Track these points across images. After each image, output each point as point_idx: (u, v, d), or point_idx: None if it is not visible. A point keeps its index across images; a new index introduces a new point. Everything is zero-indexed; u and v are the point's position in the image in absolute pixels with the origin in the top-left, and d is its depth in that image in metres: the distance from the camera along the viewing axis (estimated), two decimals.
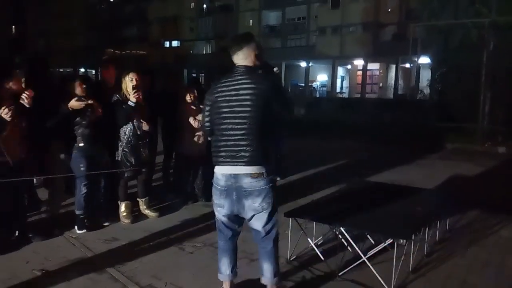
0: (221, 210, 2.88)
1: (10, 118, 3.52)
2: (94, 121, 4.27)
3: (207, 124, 2.90)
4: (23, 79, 3.96)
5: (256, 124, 2.70)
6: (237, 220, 2.94)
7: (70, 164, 4.33)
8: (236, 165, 2.73)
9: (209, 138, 2.98)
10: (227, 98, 2.75)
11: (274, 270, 2.92)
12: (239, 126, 2.71)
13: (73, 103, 4.10)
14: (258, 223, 2.83)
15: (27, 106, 3.69)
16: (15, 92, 3.72)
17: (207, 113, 2.89)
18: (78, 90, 4.28)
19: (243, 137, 2.71)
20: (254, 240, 2.97)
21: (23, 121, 3.80)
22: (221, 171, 2.81)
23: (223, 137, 2.78)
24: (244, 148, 2.71)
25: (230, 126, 2.74)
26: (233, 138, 2.73)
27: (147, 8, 48.47)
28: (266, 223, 2.83)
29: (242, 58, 2.81)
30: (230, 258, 3.00)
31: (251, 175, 2.73)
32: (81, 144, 4.26)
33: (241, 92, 2.72)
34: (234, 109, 2.73)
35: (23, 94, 3.68)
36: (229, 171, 2.76)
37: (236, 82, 2.75)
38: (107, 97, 4.53)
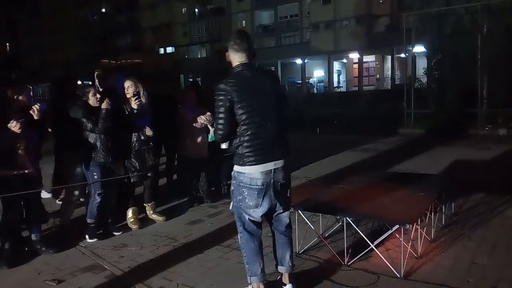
0: (257, 210, 2.83)
1: (20, 131, 3.58)
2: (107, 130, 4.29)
3: (226, 126, 2.73)
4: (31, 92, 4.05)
5: (283, 116, 2.87)
6: (267, 217, 2.96)
7: (85, 174, 4.38)
8: (275, 159, 2.78)
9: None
10: (256, 94, 2.75)
11: (293, 257, 3.06)
12: (272, 120, 2.79)
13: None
14: (286, 212, 2.98)
15: (35, 118, 3.77)
16: (24, 105, 3.79)
17: (223, 116, 2.71)
18: (92, 101, 4.30)
19: (277, 130, 2.81)
20: (276, 231, 3.02)
21: (33, 133, 3.85)
22: (259, 170, 2.74)
23: (258, 135, 2.74)
24: (280, 141, 2.83)
25: (264, 122, 2.75)
26: (270, 133, 2.78)
27: (139, 16, 48.56)
28: (289, 211, 3.00)
29: (251, 55, 2.82)
30: (262, 258, 2.96)
31: (286, 167, 2.84)
32: (95, 154, 4.28)
33: (266, 85, 2.81)
34: (265, 103, 2.77)
35: (33, 107, 3.75)
36: (269, 167, 2.76)
37: (258, 77, 2.82)
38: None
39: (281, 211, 2.95)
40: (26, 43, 58.09)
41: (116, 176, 4.43)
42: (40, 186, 4.17)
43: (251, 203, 2.80)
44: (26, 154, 3.77)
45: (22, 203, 3.98)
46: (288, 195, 2.95)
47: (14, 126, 3.55)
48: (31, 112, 3.74)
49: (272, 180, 2.79)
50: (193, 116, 5.23)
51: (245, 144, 2.74)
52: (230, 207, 3.02)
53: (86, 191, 5.08)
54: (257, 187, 2.77)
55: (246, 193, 2.79)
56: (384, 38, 30.86)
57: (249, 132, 2.74)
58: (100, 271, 3.63)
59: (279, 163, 2.81)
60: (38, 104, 3.86)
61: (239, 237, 2.99)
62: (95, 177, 4.29)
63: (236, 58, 2.83)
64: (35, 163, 3.94)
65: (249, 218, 2.87)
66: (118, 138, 4.43)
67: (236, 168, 2.82)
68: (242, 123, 2.73)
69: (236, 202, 2.88)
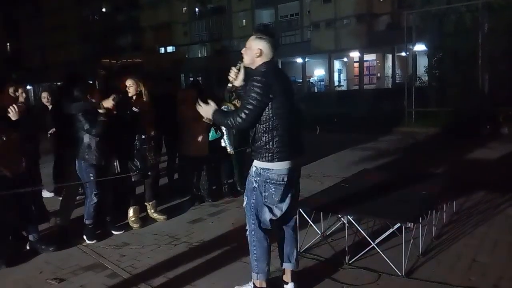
0: (281, 206, 2.86)
1: None
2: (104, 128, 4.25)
3: (252, 117, 2.70)
4: (12, 92, 4.05)
5: (298, 113, 2.94)
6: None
7: (78, 173, 4.33)
8: (298, 156, 2.86)
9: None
10: (286, 91, 2.81)
11: (298, 254, 3.11)
12: (295, 118, 2.88)
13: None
14: (296, 207, 3.06)
15: (13, 119, 3.70)
16: (4, 105, 3.74)
17: (254, 108, 2.68)
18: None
19: (298, 128, 2.90)
20: (286, 226, 3.04)
21: (11, 134, 3.77)
22: (287, 166, 2.77)
23: (288, 131, 2.78)
24: (300, 138, 2.92)
25: (292, 119, 2.82)
26: (295, 130, 2.85)
27: (140, 16, 48.51)
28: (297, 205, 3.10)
29: (274, 54, 2.86)
30: (270, 256, 2.99)
31: (301, 164, 2.93)
32: (88, 155, 4.23)
33: (289, 84, 2.93)
34: (291, 101, 2.86)
35: (10, 108, 3.68)
36: (294, 163, 2.82)
37: (283, 76, 2.92)
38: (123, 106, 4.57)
39: (292, 208, 3.01)
40: (26, 42, 58.12)
41: (109, 175, 4.39)
42: (34, 186, 4.12)
43: (277, 199, 2.83)
44: (6, 155, 3.70)
45: (17, 203, 3.95)
46: (299, 191, 3.08)
47: None
48: (8, 112, 3.68)
49: (293, 177, 2.87)
50: (194, 115, 5.22)
51: (276, 139, 2.75)
52: (244, 204, 2.96)
53: (80, 190, 5.06)
54: (284, 183, 2.80)
55: (273, 189, 2.80)
56: (385, 36, 30.77)
57: (281, 128, 2.75)
58: (101, 270, 3.63)
59: (300, 160, 2.90)
60: (14, 105, 3.74)
61: (250, 234, 2.93)
62: (91, 177, 4.24)
63: (269, 53, 2.82)
64: (23, 163, 3.90)
65: (269, 217, 2.87)
66: (114, 138, 4.39)
67: (262, 164, 2.80)
68: (276, 117, 2.72)
69: (260, 199, 2.84)
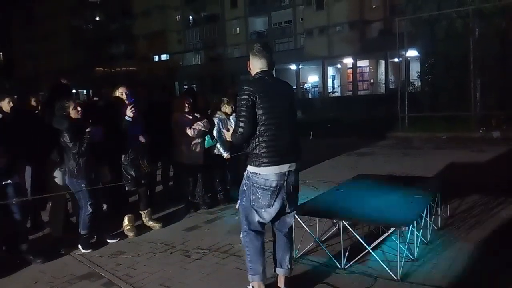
0: (269, 210, 2.92)
1: None
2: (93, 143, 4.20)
3: (248, 126, 2.82)
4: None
5: (296, 121, 3.02)
6: (273, 217, 3.02)
7: (70, 186, 4.27)
8: (289, 162, 2.89)
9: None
10: (276, 98, 2.89)
11: (292, 261, 3.12)
12: (289, 124, 2.93)
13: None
14: (292, 215, 3.08)
15: None
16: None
17: (246, 115, 2.82)
18: (74, 113, 4.17)
19: (292, 134, 2.94)
20: (279, 232, 3.07)
21: None
22: (274, 171, 2.84)
23: (276, 136, 2.85)
24: (294, 144, 2.95)
25: (282, 125, 2.88)
26: (286, 136, 2.90)
27: (133, 24, 48.60)
28: (294, 213, 3.12)
29: (271, 65, 3.00)
30: (264, 258, 3.03)
31: (298, 170, 2.97)
32: (78, 167, 4.16)
33: (283, 92, 2.99)
34: (283, 108, 2.91)
35: None
36: (284, 169, 2.87)
37: (277, 84, 3.00)
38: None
39: (288, 212, 3.03)
40: (19, 51, 57.98)
41: (100, 185, 4.36)
42: (23, 196, 4.07)
43: (264, 203, 2.89)
44: None
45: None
46: (297, 198, 3.09)
47: None
48: None
49: (285, 182, 2.88)
50: (188, 122, 5.23)
51: (263, 144, 2.84)
52: (237, 206, 3.10)
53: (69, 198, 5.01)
54: (271, 188, 2.86)
55: (259, 193, 2.88)
56: (378, 43, 31.01)
57: (267, 133, 2.84)
58: (97, 279, 3.61)
59: (293, 166, 2.92)
60: None
61: (242, 236, 3.04)
62: (83, 188, 4.19)
63: (258, 65, 2.98)
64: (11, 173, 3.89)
65: (257, 220, 2.94)
66: (107, 148, 4.38)
67: (251, 169, 2.90)
68: (261, 123, 2.83)
69: (248, 202, 2.94)
